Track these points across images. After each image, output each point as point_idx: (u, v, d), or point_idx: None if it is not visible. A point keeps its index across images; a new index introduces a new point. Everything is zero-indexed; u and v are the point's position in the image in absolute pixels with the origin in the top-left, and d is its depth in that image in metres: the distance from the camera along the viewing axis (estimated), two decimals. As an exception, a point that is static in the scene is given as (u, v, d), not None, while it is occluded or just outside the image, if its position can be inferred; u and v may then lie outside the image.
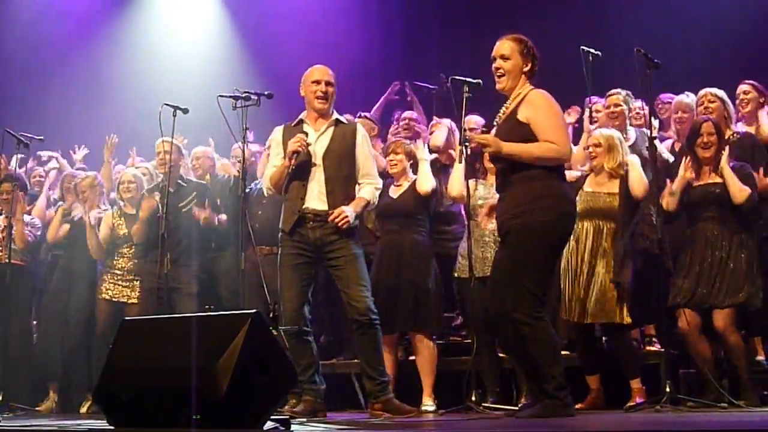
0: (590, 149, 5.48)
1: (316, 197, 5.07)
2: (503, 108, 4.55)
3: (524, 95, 4.45)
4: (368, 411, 5.18)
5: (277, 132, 5.35)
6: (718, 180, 5.26)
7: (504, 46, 4.51)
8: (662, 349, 5.50)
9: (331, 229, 5.02)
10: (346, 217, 4.98)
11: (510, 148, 4.31)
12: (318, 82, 5.20)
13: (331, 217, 4.98)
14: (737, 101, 6.06)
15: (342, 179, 5.13)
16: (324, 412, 5.12)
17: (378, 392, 5.07)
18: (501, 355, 5.78)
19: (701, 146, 5.29)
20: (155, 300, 6.14)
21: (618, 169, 5.43)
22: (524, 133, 4.35)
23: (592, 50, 6.12)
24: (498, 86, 4.54)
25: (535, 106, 4.39)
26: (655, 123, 5.94)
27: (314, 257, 5.10)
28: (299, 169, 5.10)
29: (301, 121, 5.27)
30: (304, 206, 5.06)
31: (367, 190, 5.19)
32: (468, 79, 5.54)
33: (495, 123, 4.58)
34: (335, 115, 5.28)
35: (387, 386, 5.10)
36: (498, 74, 4.52)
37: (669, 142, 6.32)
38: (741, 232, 5.25)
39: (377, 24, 9.40)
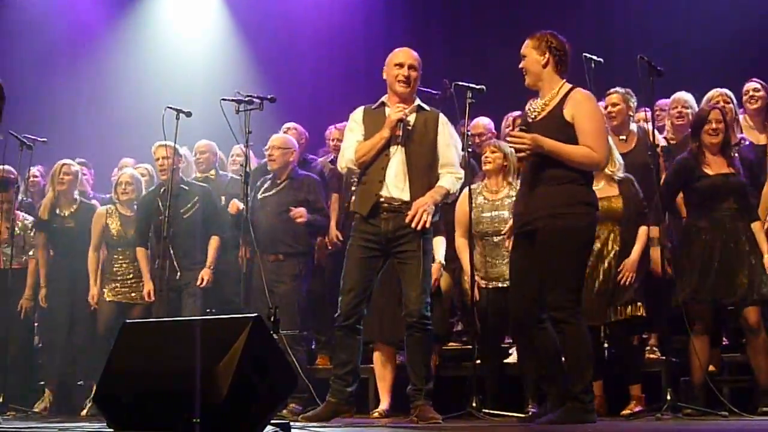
0: None
1: (395, 184, 4.88)
2: (538, 104, 4.53)
3: (566, 93, 4.47)
4: (410, 417, 5.02)
5: (358, 112, 5.12)
6: (732, 170, 5.23)
7: (524, 45, 4.58)
8: (663, 357, 5.50)
9: (406, 222, 4.84)
10: (425, 212, 4.77)
11: (551, 145, 4.31)
12: (401, 65, 4.97)
13: (409, 218, 4.78)
14: (745, 98, 6.06)
15: (423, 167, 4.93)
16: (349, 413, 5.04)
17: (413, 397, 4.94)
18: (505, 361, 5.78)
19: (708, 133, 5.25)
20: (164, 300, 6.16)
21: (617, 172, 5.42)
22: (571, 133, 4.38)
23: (594, 57, 6.11)
24: (525, 83, 4.60)
25: (581, 107, 4.41)
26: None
27: (382, 251, 4.92)
28: (380, 152, 4.93)
29: (383, 104, 5.07)
30: (382, 191, 4.89)
31: (448, 179, 4.97)
32: (471, 85, 5.56)
33: (530, 119, 4.53)
34: (417, 101, 5.08)
35: (423, 392, 4.93)
36: (523, 72, 4.58)
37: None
38: (749, 224, 5.21)
39: (381, 29, 9.40)
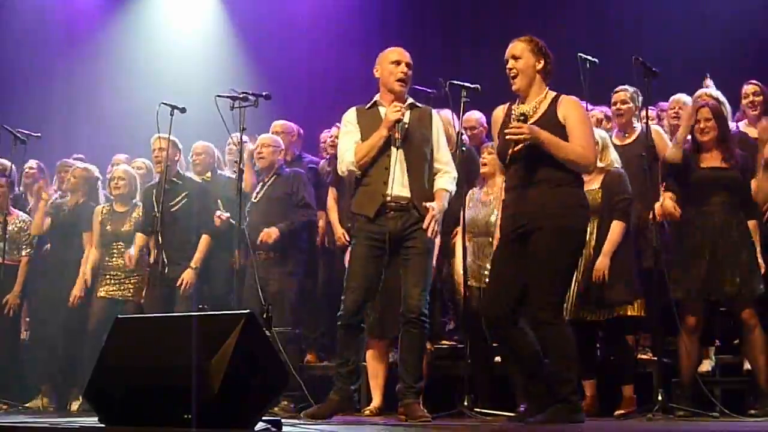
0: None
1: (399, 183, 4.85)
2: (526, 108, 4.46)
3: (553, 98, 4.47)
4: (397, 415, 5.02)
5: (351, 113, 5.08)
6: (726, 164, 5.21)
7: (515, 46, 4.54)
8: (655, 358, 5.51)
9: (413, 220, 4.86)
10: (436, 221, 4.80)
11: (549, 138, 4.31)
12: (398, 63, 4.95)
13: (426, 224, 4.77)
14: (745, 101, 6.05)
15: (421, 164, 4.92)
16: (351, 410, 5.02)
17: (403, 395, 4.90)
18: (496, 359, 5.78)
19: (699, 132, 5.25)
20: (155, 295, 6.14)
21: (609, 167, 5.40)
22: (564, 135, 4.38)
23: (589, 57, 6.10)
24: (513, 87, 4.55)
25: (573, 111, 4.43)
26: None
27: (387, 249, 4.88)
28: (379, 153, 4.89)
29: (376, 104, 5.05)
30: (387, 191, 4.85)
31: (447, 180, 4.99)
32: (466, 84, 5.55)
33: (515, 120, 4.46)
34: (410, 99, 5.05)
35: (414, 390, 4.91)
36: (512, 75, 4.53)
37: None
38: (744, 220, 5.21)
39: (376, 27, 9.39)
